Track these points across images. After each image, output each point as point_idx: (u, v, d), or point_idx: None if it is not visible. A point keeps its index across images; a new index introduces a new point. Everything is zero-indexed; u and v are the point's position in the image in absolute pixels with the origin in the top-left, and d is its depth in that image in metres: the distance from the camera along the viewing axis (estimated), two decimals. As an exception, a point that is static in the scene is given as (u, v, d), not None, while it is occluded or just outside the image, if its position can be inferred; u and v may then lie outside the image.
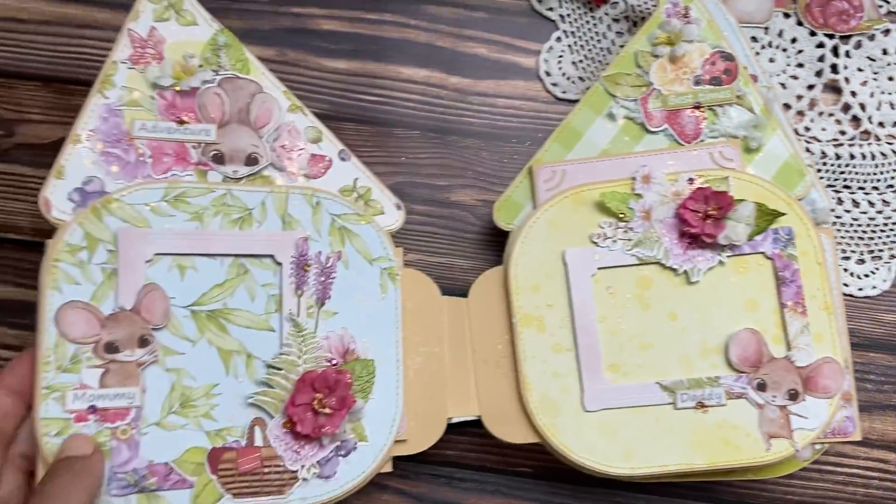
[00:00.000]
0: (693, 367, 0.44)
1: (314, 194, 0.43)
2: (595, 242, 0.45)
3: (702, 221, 0.43)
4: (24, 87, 0.51)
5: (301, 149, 0.44)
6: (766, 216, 0.44)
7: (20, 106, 0.50)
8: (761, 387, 0.43)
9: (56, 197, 0.39)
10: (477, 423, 0.45)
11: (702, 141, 0.46)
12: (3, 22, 0.51)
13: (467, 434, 0.43)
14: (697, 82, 0.47)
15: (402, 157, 0.52)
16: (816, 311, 0.43)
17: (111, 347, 0.38)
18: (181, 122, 0.42)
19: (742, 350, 0.43)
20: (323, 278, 0.42)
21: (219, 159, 0.42)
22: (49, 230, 0.39)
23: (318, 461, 0.40)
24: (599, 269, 0.45)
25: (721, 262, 0.44)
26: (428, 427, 0.43)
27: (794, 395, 0.42)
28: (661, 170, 0.46)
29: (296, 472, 0.39)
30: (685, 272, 0.45)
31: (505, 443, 0.44)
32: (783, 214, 0.44)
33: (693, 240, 0.44)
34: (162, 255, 0.40)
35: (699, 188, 0.44)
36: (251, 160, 0.43)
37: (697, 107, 0.46)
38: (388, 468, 0.42)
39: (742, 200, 0.44)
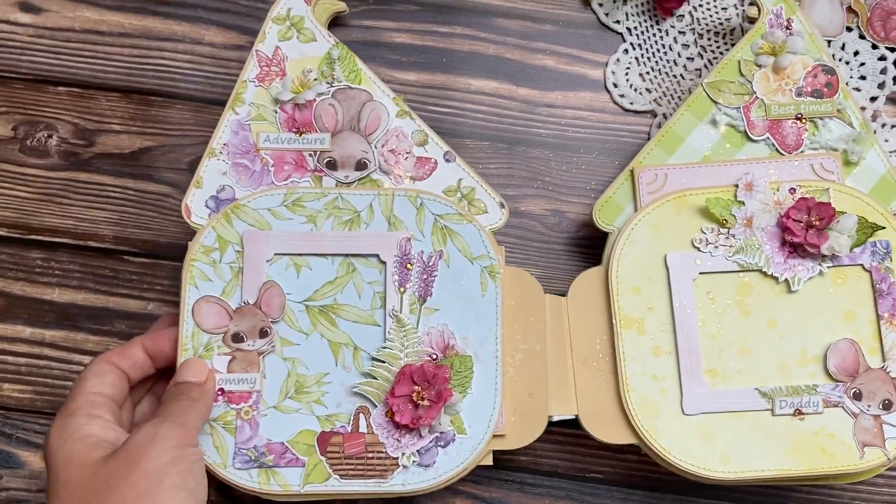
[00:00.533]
0: (791, 374, 0.44)
1: (418, 195, 0.45)
2: (697, 247, 0.46)
3: (804, 231, 0.44)
4: (105, 98, 0.53)
5: (408, 152, 0.46)
6: (866, 229, 0.44)
7: (101, 117, 0.53)
8: (857, 396, 0.43)
9: (195, 204, 0.45)
10: (553, 426, 0.45)
11: (802, 152, 0.47)
12: (83, 34, 0.53)
13: (539, 439, 0.44)
14: (799, 94, 0.47)
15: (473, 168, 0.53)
16: (910, 324, 0.42)
17: (237, 337, 0.43)
18: (300, 133, 0.46)
19: (840, 360, 0.44)
20: (425, 276, 0.44)
21: (332, 165, 0.46)
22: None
23: (417, 450, 0.42)
24: (701, 273, 0.46)
25: (821, 273, 0.45)
26: (528, 424, 0.44)
27: (888, 405, 0.43)
28: (764, 178, 0.46)
29: (397, 458, 0.42)
30: (786, 281, 0.45)
31: (599, 442, 0.44)
32: (882, 228, 0.45)
33: (794, 249, 0.45)
34: (280, 254, 0.44)
35: (802, 198, 0.45)
36: (361, 165, 0.46)
37: (799, 118, 0.47)
38: (489, 461, 0.44)
39: (844, 212, 0.44)
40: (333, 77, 0.46)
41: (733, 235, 0.45)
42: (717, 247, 0.45)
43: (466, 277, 0.44)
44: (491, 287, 0.44)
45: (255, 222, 0.44)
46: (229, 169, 0.45)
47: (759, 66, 0.48)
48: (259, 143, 0.46)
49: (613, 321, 0.45)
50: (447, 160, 0.46)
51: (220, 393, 0.42)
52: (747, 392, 0.44)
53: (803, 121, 0.47)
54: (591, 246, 0.52)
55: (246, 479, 0.42)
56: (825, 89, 0.47)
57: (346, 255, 0.44)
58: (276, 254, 0.44)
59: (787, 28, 0.48)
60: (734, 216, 0.46)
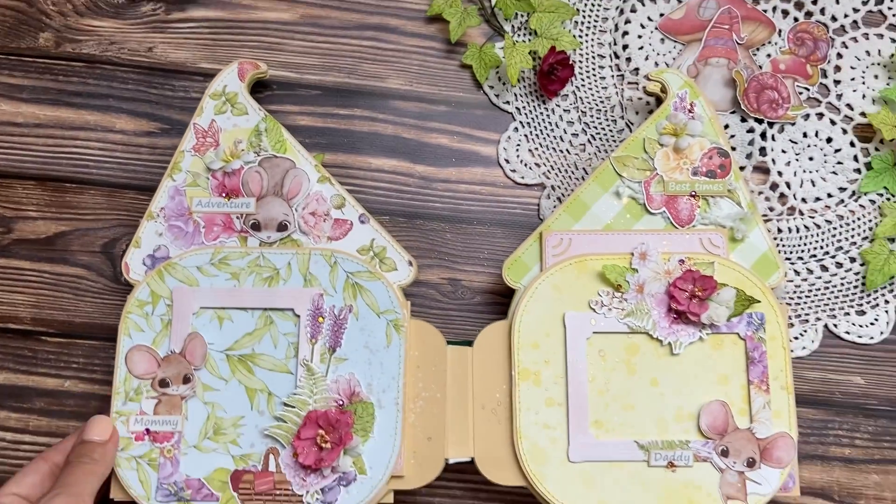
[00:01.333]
0: (668, 429, 0.47)
1: (332, 254, 0.50)
2: (593, 308, 0.50)
3: (688, 300, 0.48)
4: (21, 186, 0.55)
5: (326, 214, 0.51)
6: (744, 301, 0.48)
7: (18, 204, 0.55)
8: (724, 453, 0.46)
9: (133, 262, 0.50)
10: (470, 467, 0.48)
11: (694, 226, 0.51)
12: (0, 126, 0.56)
13: (440, 481, 0.47)
14: (695, 173, 0.51)
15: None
16: (778, 390, 0.47)
17: (163, 383, 0.48)
18: (228, 197, 0.51)
19: (712, 419, 0.47)
20: (335, 328, 0.49)
21: (256, 227, 0.51)
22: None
23: (321, 489, 0.46)
24: (594, 332, 0.49)
25: (701, 339, 0.49)
26: (426, 465, 0.48)
27: (751, 463, 0.46)
28: (657, 248, 0.50)
29: (302, 496, 0.46)
30: (669, 344, 0.49)
31: (495, 485, 0.47)
32: (758, 302, 0.49)
33: (679, 316, 0.49)
34: (205, 308, 0.49)
35: (688, 270, 0.49)
36: (282, 227, 0.51)
37: (693, 195, 0.51)
38: (390, 500, 0.48)
39: (724, 285, 0.48)
40: (261, 147, 0.52)
41: (626, 299, 0.49)
42: (610, 309, 0.49)
43: (373, 330, 0.49)
44: (395, 339, 0.49)
45: (185, 279, 0.50)
46: (165, 230, 0.51)
47: (662, 144, 0.52)
48: (192, 206, 0.51)
49: (512, 372, 0.49)
50: (362, 221, 0.51)
51: (145, 433, 0.47)
52: (627, 444, 0.47)
53: (697, 198, 0.51)
54: (485, 311, 0.56)
55: (167, 512, 0.46)
56: (718, 170, 0.51)
57: (265, 309, 0.49)
58: (201, 307, 0.49)
59: (690, 111, 0.52)
60: (628, 282, 0.49)
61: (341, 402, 0.48)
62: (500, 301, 0.56)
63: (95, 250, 0.56)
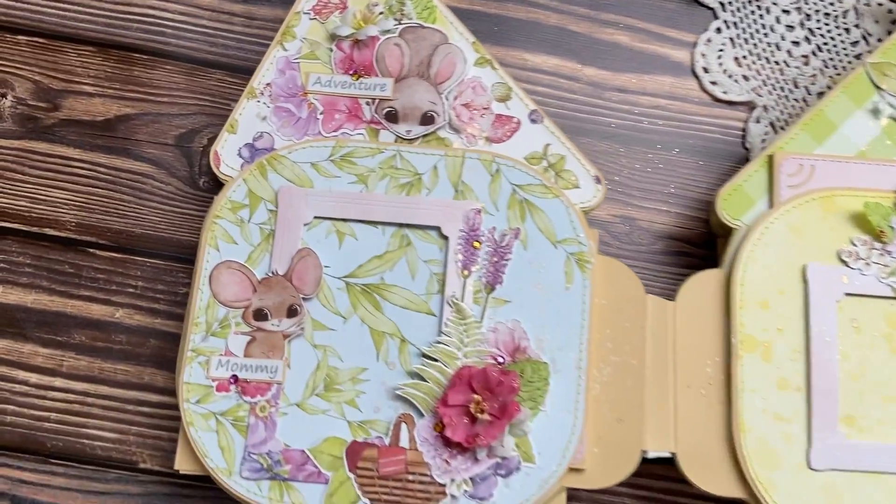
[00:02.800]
0: None
1: (494, 159, 0.37)
2: (844, 261, 0.37)
3: None
4: (76, 52, 0.44)
5: (485, 108, 0.38)
6: None
7: (70, 74, 0.44)
8: None
9: (226, 152, 0.38)
10: (650, 466, 0.35)
11: None
12: None
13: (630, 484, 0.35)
14: None
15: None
16: None
17: (260, 314, 0.36)
18: (357, 76, 0.39)
19: None
20: (495, 258, 0.36)
21: (392, 117, 0.38)
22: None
23: (471, 477, 0.34)
24: (846, 294, 0.37)
25: None
26: (616, 457, 0.35)
27: None
28: None
29: (444, 486, 0.34)
30: None
31: (697, 491, 0.35)
32: None
33: None
34: (321, 218, 0.37)
35: None
36: (427, 119, 0.38)
37: None
38: (561, 501, 0.35)
39: None
40: (403, 13, 0.39)
41: (890, 252, 0.36)
42: (868, 264, 0.37)
43: (548, 264, 0.36)
44: (578, 279, 0.36)
45: (295, 177, 0.37)
46: (270, 114, 0.39)
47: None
48: (308, 85, 0.39)
49: (732, 340, 0.36)
50: (533, 121, 0.39)
51: (232, 380, 0.35)
52: (889, 450, 0.35)
53: None
54: (668, 263, 0.43)
55: (254, 493, 0.34)
56: None
57: (401, 225, 0.37)
58: (315, 217, 0.37)
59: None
60: (893, 229, 0.36)
61: (502, 359, 0.35)
62: (689, 251, 0.43)
63: (167, 142, 0.43)
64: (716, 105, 0.45)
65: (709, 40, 0.46)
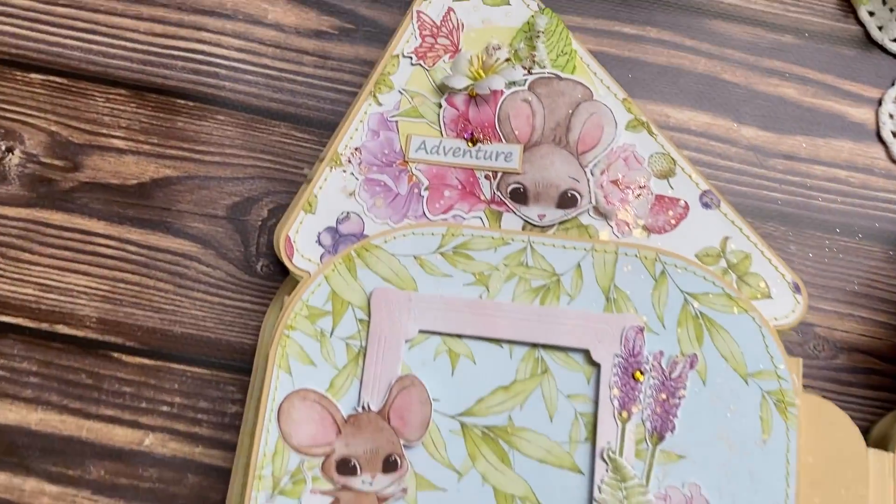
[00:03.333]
0: None
1: (658, 258, 0.28)
2: None
3: None
4: (104, 95, 0.35)
5: (642, 186, 0.29)
6: None
7: (95, 125, 0.35)
8: None
9: (302, 237, 0.29)
10: None
11: None
12: (86, 13, 0.36)
13: None
14: None
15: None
16: None
17: (346, 466, 0.26)
18: (473, 142, 0.30)
19: None
20: (664, 396, 0.27)
21: (520, 196, 0.29)
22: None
23: None
24: None
25: None
26: None
27: None
28: None
29: None
30: None
31: None
32: None
33: None
34: (428, 333, 0.28)
35: None
36: (566, 200, 0.29)
37: None
38: None
39: None
40: (534, 60, 0.30)
41: None
42: None
43: (736, 406, 0.27)
44: (780, 428, 0.27)
45: (393, 275, 0.28)
46: (360, 188, 0.30)
47: None
48: (410, 151, 0.30)
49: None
50: (706, 205, 0.29)
51: (308, 561, 0.26)
52: None
53: None
54: (852, 382, 0.34)
55: None
56: None
57: (535, 346, 0.28)
58: (421, 331, 0.28)
59: None
60: None
61: (676, 540, 0.26)
62: (880, 368, 0.34)
63: (217, 213, 0.34)
64: (910, 179, 0.36)
65: (897, 97, 0.37)
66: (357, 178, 0.30)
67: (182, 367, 0.32)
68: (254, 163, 0.35)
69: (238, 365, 0.32)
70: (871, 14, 0.38)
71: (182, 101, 0.35)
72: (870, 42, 0.38)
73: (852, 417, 0.33)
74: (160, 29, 0.36)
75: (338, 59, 0.36)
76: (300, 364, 0.28)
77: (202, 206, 0.34)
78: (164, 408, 0.32)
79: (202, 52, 0.36)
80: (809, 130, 0.37)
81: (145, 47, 0.36)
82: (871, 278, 0.35)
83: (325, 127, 0.35)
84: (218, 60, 0.36)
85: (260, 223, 0.34)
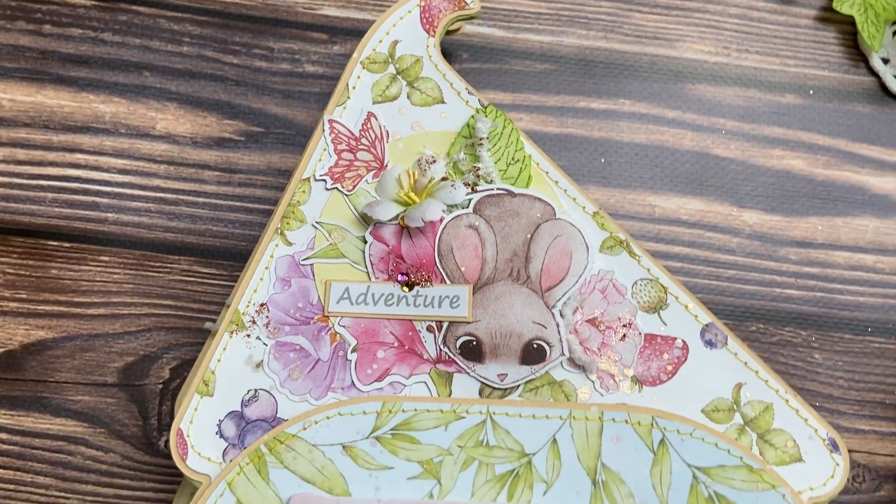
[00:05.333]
0: None
1: (654, 423, 0.23)
2: None
3: None
4: None
5: (627, 325, 0.24)
6: None
7: None
8: None
9: (198, 429, 0.23)
10: None
11: None
12: None
13: None
14: None
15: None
16: None
17: None
18: (409, 285, 0.24)
19: None
20: None
21: (473, 351, 0.24)
22: None
23: None
24: None
25: None
26: None
27: None
28: None
29: None
30: None
31: None
32: None
33: None
34: (366, 551, 0.22)
35: None
36: (532, 353, 0.24)
37: None
38: None
39: None
40: (478, 173, 0.25)
41: None
42: None
43: None
44: None
45: (316, 474, 0.23)
46: (269, 356, 0.24)
47: None
48: (330, 303, 0.24)
49: None
50: (709, 343, 0.24)
51: None
52: None
53: None
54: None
55: None
56: None
57: (506, 557, 0.22)
58: (356, 550, 0.22)
59: None
60: None
61: None
62: (939, 499, 0.28)
63: (107, 380, 0.29)
64: (951, 262, 0.31)
65: (926, 161, 0.32)
66: (265, 344, 0.24)
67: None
68: (149, 311, 0.29)
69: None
70: (886, 62, 0.33)
71: (55, 243, 0.30)
72: (886, 94, 0.33)
73: (910, 567, 0.28)
74: (24, 155, 0.30)
75: (246, 172, 0.31)
76: None
77: (87, 374, 0.29)
78: None
79: (77, 179, 0.30)
80: (825, 209, 0.32)
81: (6, 179, 0.30)
82: (916, 388, 0.30)
83: (236, 258, 0.30)
84: (97, 188, 0.30)
85: (161, 387, 0.29)
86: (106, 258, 0.29)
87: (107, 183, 0.30)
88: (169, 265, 0.30)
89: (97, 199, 0.30)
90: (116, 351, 0.29)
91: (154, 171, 0.30)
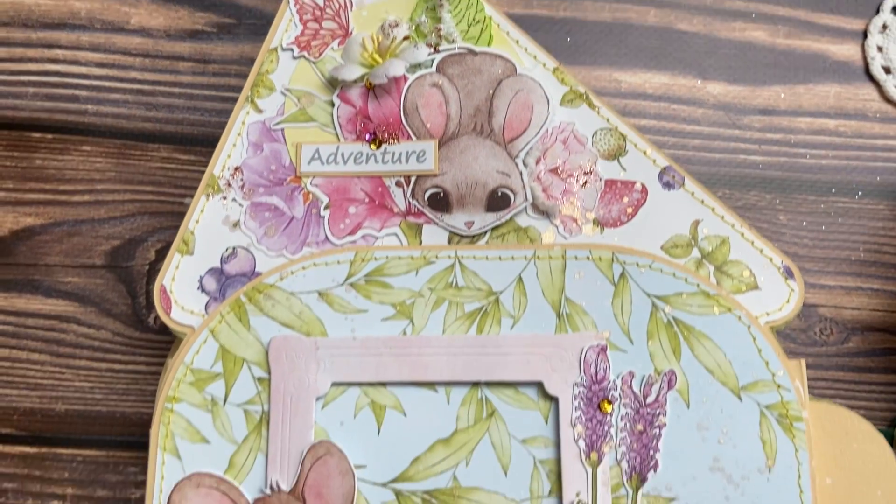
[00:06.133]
0: None
1: (615, 258, 0.24)
2: None
3: None
4: None
5: (587, 172, 0.25)
6: None
7: None
8: None
9: (180, 285, 0.25)
10: None
11: None
12: None
13: None
14: None
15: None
16: None
17: (257, 563, 0.22)
18: (377, 143, 0.26)
19: None
20: (640, 427, 0.23)
21: (441, 202, 0.25)
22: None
23: None
24: None
25: None
26: None
27: None
28: None
29: None
30: None
31: None
32: None
33: None
34: (343, 384, 0.24)
35: None
36: (497, 200, 0.25)
37: None
38: None
39: None
40: (440, 34, 0.26)
41: None
42: None
43: (730, 430, 0.23)
44: (787, 451, 0.23)
45: (295, 319, 0.24)
46: (245, 216, 0.25)
47: None
48: (301, 164, 0.26)
49: None
50: (667, 184, 0.25)
51: None
52: None
53: None
54: (870, 367, 0.30)
55: None
56: None
57: (476, 384, 0.24)
58: (335, 384, 0.24)
59: None
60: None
61: None
62: (901, 345, 0.30)
63: (95, 263, 0.30)
64: (911, 120, 0.32)
65: (885, 26, 0.33)
66: (241, 205, 0.26)
67: (71, 451, 0.28)
68: (132, 197, 0.30)
69: (138, 440, 0.28)
70: (845, -70, 0.33)
71: (38, 135, 0.31)
72: (849, -35, 0.34)
73: (875, 409, 0.30)
74: (4, 52, 0.32)
75: (220, 62, 0.32)
76: (189, 443, 0.23)
77: (75, 257, 0.30)
78: (55, 502, 0.28)
79: (57, 74, 0.31)
80: (787, 78, 0.33)
81: (-10, 77, 0.31)
82: (879, 242, 0.31)
83: (213, 144, 0.30)
84: (77, 81, 0.31)
85: (147, 268, 0.30)
86: (88, 147, 0.31)
87: (85, 76, 0.31)
88: (149, 153, 0.31)
89: (77, 92, 0.31)
90: (103, 235, 0.30)
91: (130, 63, 0.32)
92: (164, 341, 0.29)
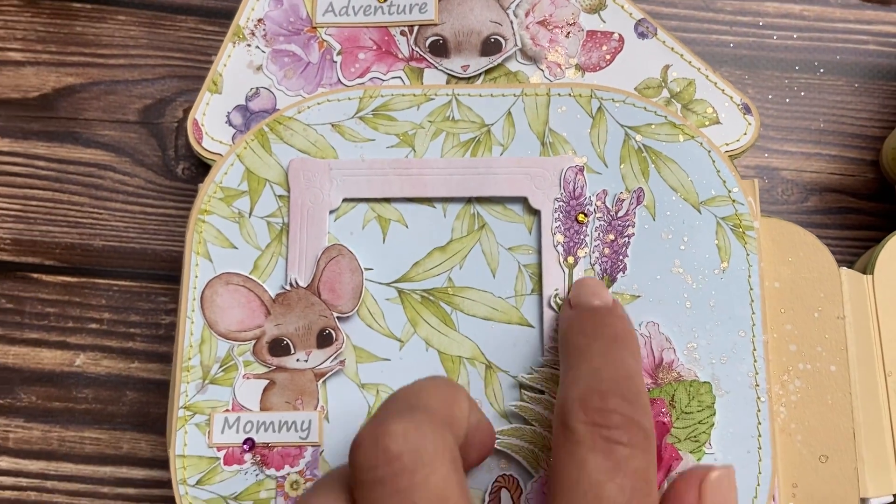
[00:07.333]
0: None
1: (593, 94, 0.28)
2: None
3: None
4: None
5: (571, 24, 0.29)
6: None
7: None
8: None
9: (210, 120, 0.29)
10: None
11: None
12: None
13: None
14: None
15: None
16: None
17: (279, 346, 0.26)
18: (383, -4, 0.29)
19: None
20: (612, 236, 0.27)
21: (440, 49, 0.29)
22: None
23: (610, 560, 0.24)
24: None
25: None
26: (818, 513, 0.25)
27: None
28: None
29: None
30: None
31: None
32: None
33: None
34: (353, 200, 0.28)
35: None
36: (490, 46, 0.29)
37: None
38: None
39: None
40: None
41: None
42: None
43: (691, 237, 0.27)
44: (739, 255, 0.26)
45: (311, 146, 0.28)
46: (267, 61, 0.29)
47: None
48: (317, 16, 0.29)
49: (967, 318, 0.26)
50: (642, 34, 0.29)
51: (246, 447, 0.26)
52: None
53: None
54: (828, 224, 0.33)
55: None
56: None
57: (469, 201, 0.27)
58: (345, 200, 0.28)
59: None
60: None
61: (638, 383, 0.26)
62: (855, 206, 0.34)
63: (129, 118, 0.34)
64: (867, 5, 0.35)
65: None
66: (263, 52, 0.29)
67: (108, 281, 0.32)
68: (163, 62, 0.34)
69: (167, 274, 0.32)
70: None
71: (78, 5, 0.35)
72: None
73: (836, 259, 0.33)
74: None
75: (242, -58, 0.36)
76: (220, 248, 0.27)
77: (111, 113, 0.34)
78: (93, 325, 0.32)
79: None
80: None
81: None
82: (837, 114, 0.35)
83: (234, 17, 0.35)
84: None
85: (176, 125, 0.34)
86: (122, 17, 0.35)
87: (119, -47, 0.35)
88: (178, 24, 0.35)
89: (112, -33, 0.35)
90: (136, 94, 0.34)
91: (160, -57, 0.35)
92: (191, 190, 0.33)
